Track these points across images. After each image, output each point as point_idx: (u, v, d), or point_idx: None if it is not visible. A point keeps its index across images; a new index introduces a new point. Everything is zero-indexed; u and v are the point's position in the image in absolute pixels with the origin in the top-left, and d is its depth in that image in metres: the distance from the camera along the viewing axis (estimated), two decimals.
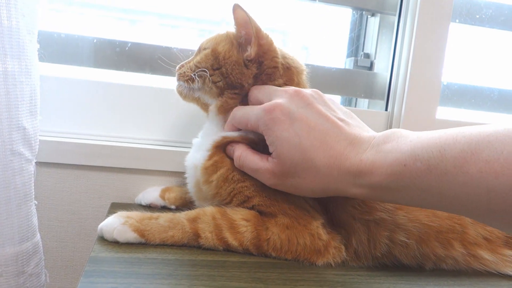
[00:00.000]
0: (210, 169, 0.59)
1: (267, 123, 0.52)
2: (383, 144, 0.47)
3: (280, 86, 0.59)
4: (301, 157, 0.50)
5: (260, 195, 0.56)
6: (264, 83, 0.60)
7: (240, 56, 0.60)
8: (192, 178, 0.64)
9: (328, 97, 0.56)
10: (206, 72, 0.61)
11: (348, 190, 0.49)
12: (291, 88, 0.55)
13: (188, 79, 0.62)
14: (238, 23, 0.60)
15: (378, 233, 0.55)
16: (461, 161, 0.39)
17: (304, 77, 0.64)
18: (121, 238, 0.53)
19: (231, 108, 0.60)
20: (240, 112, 0.58)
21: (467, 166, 0.38)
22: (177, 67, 0.66)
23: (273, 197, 0.55)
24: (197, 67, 0.62)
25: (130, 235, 0.53)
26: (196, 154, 0.64)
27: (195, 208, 0.58)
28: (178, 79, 0.65)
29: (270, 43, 0.61)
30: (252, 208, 0.56)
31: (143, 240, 0.53)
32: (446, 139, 0.41)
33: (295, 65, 0.63)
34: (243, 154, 0.56)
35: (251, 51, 0.59)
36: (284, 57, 0.62)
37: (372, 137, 0.49)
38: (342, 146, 0.49)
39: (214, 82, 0.61)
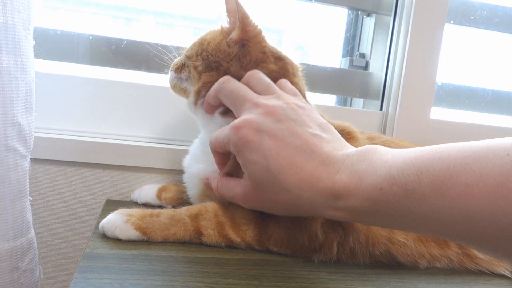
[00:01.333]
0: None
1: (236, 144, 0.50)
2: (357, 164, 0.44)
3: (273, 71, 0.59)
4: (270, 180, 0.47)
5: None
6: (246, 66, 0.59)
7: (224, 39, 0.61)
8: (195, 185, 0.64)
9: (304, 107, 0.53)
10: (190, 59, 0.62)
11: (324, 212, 0.46)
12: (262, 102, 0.52)
13: (177, 68, 0.64)
14: (228, 11, 0.61)
15: (377, 233, 0.56)
16: (439, 184, 0.37)
17: (300, 73, 0.64)
18: (123, 236, 0.53)
19: (206, 87, 0.59)
20: (214, 136, 0.55)
21: (446, 190, 0.36)
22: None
23: None
24: (185, 56, 0.64)
25: (132, 233, 0.53)
26: (196, 164, 0.64)
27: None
28: (170, 70, 0.66)
29: (258, 32, 0.61)
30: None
31: (145, 238, 0.53)
32: (422, 161, 0.39)
33: (289, 60, 0.63)
34: (219, 185, 0.55)
35: (234, 34, 0.60)
36: (273, 48, 0.62)
37: (346, 155, 0.46)
38: (312, 166, 0.46)
39: (195, 68, 0.61)
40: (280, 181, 0.47)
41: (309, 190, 0.45)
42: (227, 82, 0.56)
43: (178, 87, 0.66)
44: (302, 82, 0.64)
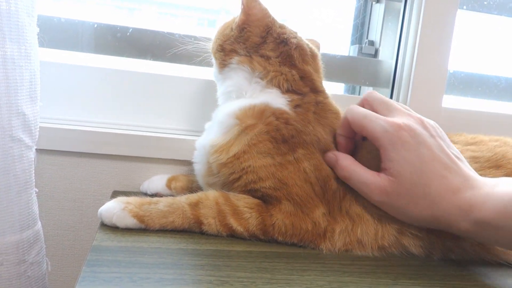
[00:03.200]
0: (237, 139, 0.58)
1: (393, 140, 0.52)
2: (498, 185, 0.49)
3: (268, 54, 0.61)
4: (419, 181, 0.51)
5: (273, 178, 0.55)
6: (248, 49, 0.62)
7: (232, 23, 0.64)
8: (203, 158, 0.61)
9: (439, 127, 0.57)
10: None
11: (456, 224, 0.50)
12: (415, 114, 0.56)
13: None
14: None
15: (388, 225, 0.55)
16: None
17: (311, 58, 0.64)
18: (120, 223, 0.52)
19: (222, 59, 0.64)
20: (362, 114, 0.56)
21: None
22: None
23: (284, 181, 0.54)
24: None
25: (129, 221, 0.52)
26: (208, 136, 0.62)
27: None
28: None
29: (262, 16, 0.62)
30: (259, 189, 0.55)
31: (142, 226, 0.53)
32: None
33: (294, 45, 0.62)
34: (351, 166, 0.55)
35: (237, 18, 0.62)
36: (279, 34, 0.62)
37: (486, 179, 0.52)
38: (459, 181, 0.50)
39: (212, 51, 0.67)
40: (427, 185, 0.51)
41: (449, 199, 0.50)
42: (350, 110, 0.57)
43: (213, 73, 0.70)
44: (315, 68, 0.63)
